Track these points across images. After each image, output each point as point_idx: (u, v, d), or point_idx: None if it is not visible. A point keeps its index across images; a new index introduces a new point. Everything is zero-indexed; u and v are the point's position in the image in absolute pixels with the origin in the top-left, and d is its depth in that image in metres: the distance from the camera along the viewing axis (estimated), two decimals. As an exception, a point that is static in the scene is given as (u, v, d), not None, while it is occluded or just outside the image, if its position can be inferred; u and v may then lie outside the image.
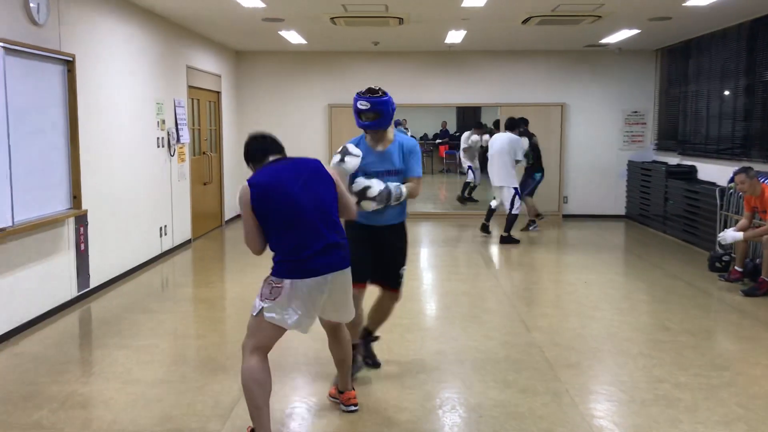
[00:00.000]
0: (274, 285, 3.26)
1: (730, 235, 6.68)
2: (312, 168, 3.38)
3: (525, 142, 9.47)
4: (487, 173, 9.94)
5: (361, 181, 3.98)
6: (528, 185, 10.00)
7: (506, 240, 9.27)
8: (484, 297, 6.38)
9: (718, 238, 6.96)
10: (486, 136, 10.47)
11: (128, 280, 7.05)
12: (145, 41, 7.72)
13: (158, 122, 8.04)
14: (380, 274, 4.24)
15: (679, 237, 9.35)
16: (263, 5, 7.37)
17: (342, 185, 3.49)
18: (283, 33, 9.37)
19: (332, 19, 8.24)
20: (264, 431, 3.24)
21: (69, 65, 5.87)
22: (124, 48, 7.17)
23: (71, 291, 6.02)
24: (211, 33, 9.60)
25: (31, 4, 5.29)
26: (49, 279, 5.67)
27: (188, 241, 9.11)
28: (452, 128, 19.34)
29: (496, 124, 11.77)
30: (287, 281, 3.23)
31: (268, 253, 3.35)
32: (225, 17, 8.24)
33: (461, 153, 13.50)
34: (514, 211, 9.19)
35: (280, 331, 3.31)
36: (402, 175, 4.11)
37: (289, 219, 3.23)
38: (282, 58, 11.54)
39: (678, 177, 9.62)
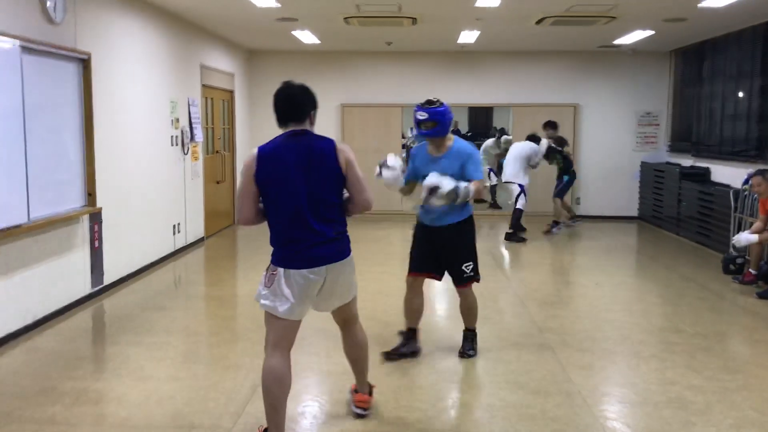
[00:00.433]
0: (270, 272, 3.25)
1: (744, 237, 6.64)
2: (321, 155, 3.21)
3: (543, 148, 9.43)
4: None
5: (433, 179, 4.10)
6: (556, 186, 10.04)
7: (511, 237, 9.26)
8: (495, 298, 6.37)
9: (733, 241, 6.92)
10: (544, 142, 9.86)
11: (141, 277, 7.09)
12: (160, 40, 7.76)
13: (172, 121, 8.08)
14: (447, 271, 4.53)
15: (693, 239, 9.29)
16: (278, 5, 7.39)
17: (356, 171, 3.28)
18: (297, 33, 9.39)
19: (346, 19, 8.25)
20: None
21: (85, 63, 5.91)
22: (139, 47, 7.22)
23: (85, 288, 6.06)
24: (225, 32, 9.63)
25: (48, 3, 5.33)
26: (64, 276, 5.71)
27: (201, 239, 9.15)
28: (464, 129, 19.30)
29: (502, 131, 11.78)
30: (280, 269, 3.21)
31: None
32: (239, 17, 8.26)
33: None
34: (518, 206, 9.24)
35: (288, 324, 3.24)
36: (459, 180, 4.20)
37: (283, 204, 3.18)
38: (295, 58, 11.55)
39: (692, 179, 9.56)
